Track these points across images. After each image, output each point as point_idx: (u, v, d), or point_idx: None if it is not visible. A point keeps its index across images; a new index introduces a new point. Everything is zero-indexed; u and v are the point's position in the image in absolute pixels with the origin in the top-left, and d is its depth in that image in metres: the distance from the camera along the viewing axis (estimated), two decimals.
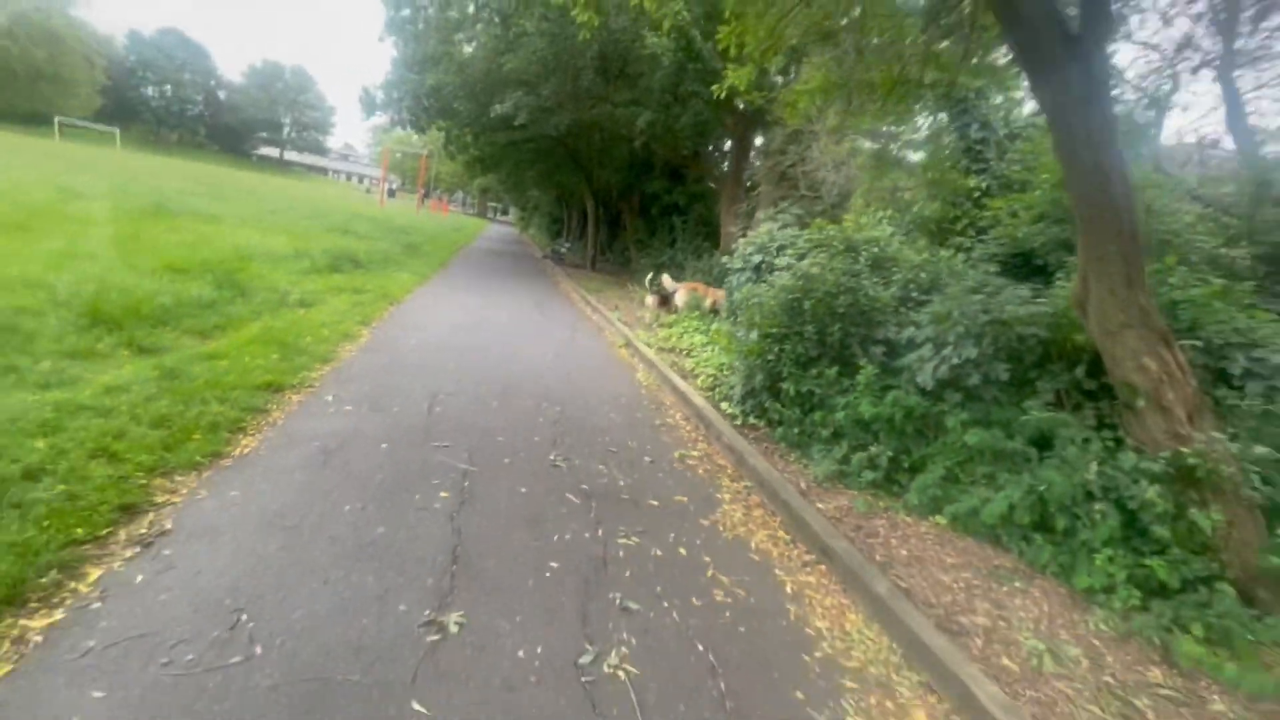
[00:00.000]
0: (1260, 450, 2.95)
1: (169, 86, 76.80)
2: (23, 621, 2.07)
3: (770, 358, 5.20)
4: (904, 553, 3.30)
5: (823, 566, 3.28)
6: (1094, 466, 3.13)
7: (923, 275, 5.34)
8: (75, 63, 56.96)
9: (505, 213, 73.25)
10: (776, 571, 3.19)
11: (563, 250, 22.51)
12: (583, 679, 2.22)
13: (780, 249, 7.62)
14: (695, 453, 4.77)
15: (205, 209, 12.29)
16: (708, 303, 9.71)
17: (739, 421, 5.31)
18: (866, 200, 8.18)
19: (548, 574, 2.82)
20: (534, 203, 42.85)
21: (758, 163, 13.62)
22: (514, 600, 2.59)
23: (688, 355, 7.66)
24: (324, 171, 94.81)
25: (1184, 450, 2.93)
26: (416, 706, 2.00)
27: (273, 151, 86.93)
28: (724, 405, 5.67)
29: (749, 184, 13.44)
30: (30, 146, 26.15)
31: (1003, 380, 3.91)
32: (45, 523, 2.47)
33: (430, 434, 4.21)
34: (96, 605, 2.20)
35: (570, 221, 32.32)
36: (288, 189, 31.67)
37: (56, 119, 48.87)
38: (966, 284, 4.51)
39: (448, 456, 3.90)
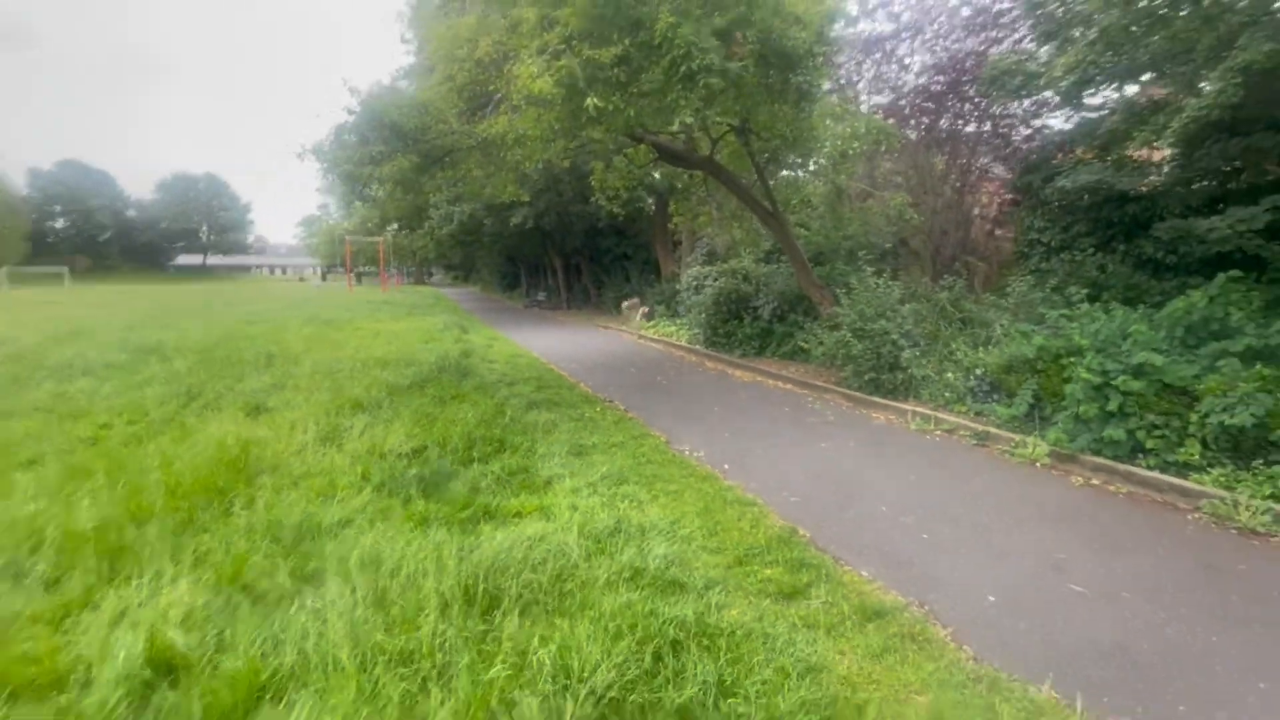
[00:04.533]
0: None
1: (76, 216, 78.34)
2: None
3: (712, 322, 13.29)
4: (740, 372, 11.40)
5: (726, 369, 11.30)
6: None
7: (760, 277, 13.62)
8: (3, 215, 59.25)
9: (431, 275, 79.39)
10: (720, 368, 11.19)
11: (540, 298, 30.19)
12: (661, 391, 10.12)
13: (705, 278, 15.84)
14: (690, 359, 12.76)
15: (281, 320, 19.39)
16: (639, 311, 17.86)
17: (702, 348, 13.38)
18: (738, 245, 16.53)
19: (647, 390, 10.70)
20: (477, 264, 50.28)
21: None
22: (638, 390, 10.44)
23: (664, 335, 15.73)
24: (246, 269, 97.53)
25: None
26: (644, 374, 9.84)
27: (192, 259, 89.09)
28: (692, 344, 13.74)
29: (675, 238, 21.80)
30: (15, 302, 30.94)
31: (765, 316, 12.14)
32: None
33: (583, 366, 11.95)
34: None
35: (521, 275, 39.76)
36: (240, 293, 37.93)
37: (4, 269, 51.83)
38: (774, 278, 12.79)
39: (601, 374, 11.68)
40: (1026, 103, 11.48)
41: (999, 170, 12.66)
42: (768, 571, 3.91)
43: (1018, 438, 6.42)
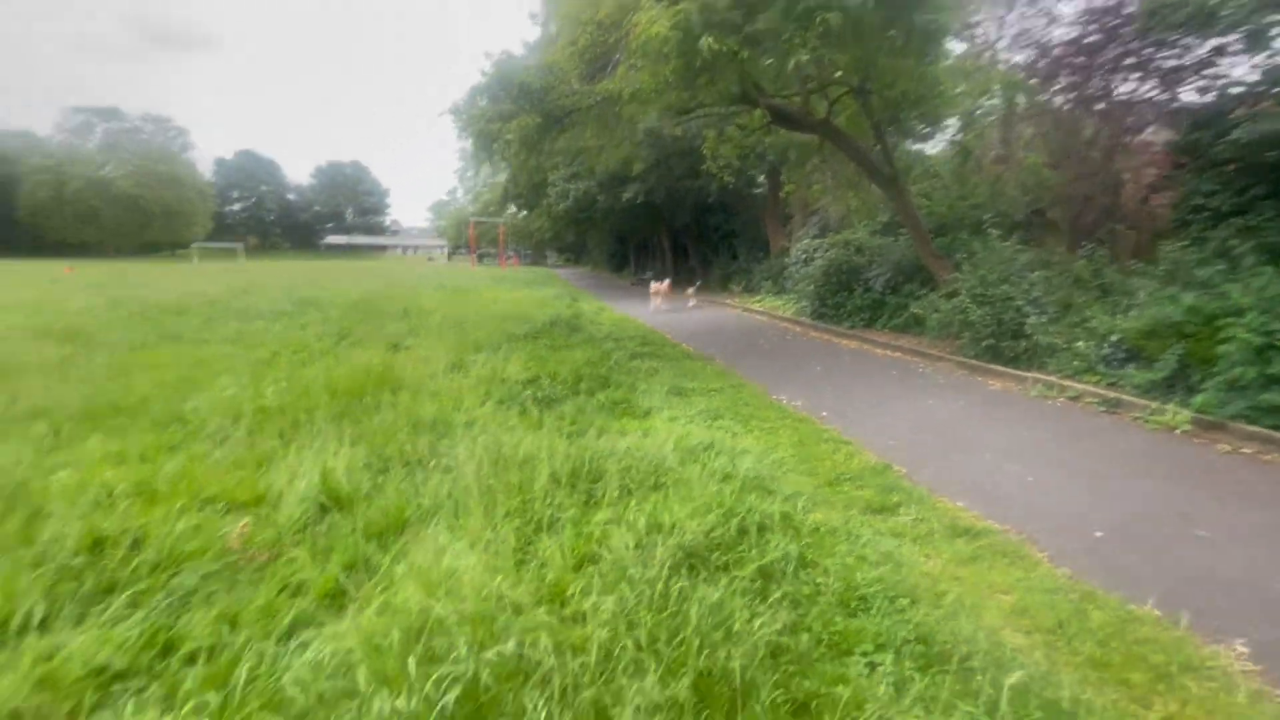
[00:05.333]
0: None
1: (249, 200, 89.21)
2: None
3: (821, 294, 13.03)
4: (847, 341, 11.08)
5: (832, 338, 11.06)
6: None
7: (874, 248, 13.13)
8: (193, 198, 69.05)
9: (546, 257, 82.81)
10: (826, 338, 10.98)
11: (647, 276, 30.75)
12: (758, 351, 10.07)
13: (815, 250, 15.48)
14: (795, 329, 12.62)
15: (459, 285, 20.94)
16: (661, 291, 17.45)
17: (809, 319, 13.16)
18: (853, 216, 15.97)
19: (747, 352, 10.69)
20: (591, 244, 51.85)
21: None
22: (739, 352, 10.45)
23: (770, 309, 15.58)
24: (383, 249, 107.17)
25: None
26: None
27: (339, 239, 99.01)
28: (798, 317, 13.53)
29: (786, 212, 21.37)
30: (202, 272, 35.63)
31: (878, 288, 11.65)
32: None
33: (684, 331, 12.14)
34: None
35: (629, 254, 40.54)
36: (380, 267, 41.64)
37: (193, 245, 60.69)
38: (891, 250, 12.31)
39: (702, 337, 11.83)
40: (1201, 49, 10.14)
41: (1160, 131, 11.28)
42: (858, 492, 3.99)
43: (1155, 404, 5.88)
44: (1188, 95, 10.82)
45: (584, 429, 4.84)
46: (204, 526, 2.99)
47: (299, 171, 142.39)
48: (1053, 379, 7.12)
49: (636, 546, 2.75)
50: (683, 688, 1.88)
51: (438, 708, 1.78)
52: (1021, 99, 11.49)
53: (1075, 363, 7.32)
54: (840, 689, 2.03)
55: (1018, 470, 4.55)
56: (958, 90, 9.51)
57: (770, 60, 7.07)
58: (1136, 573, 3.09)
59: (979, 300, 8.48)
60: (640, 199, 21.16)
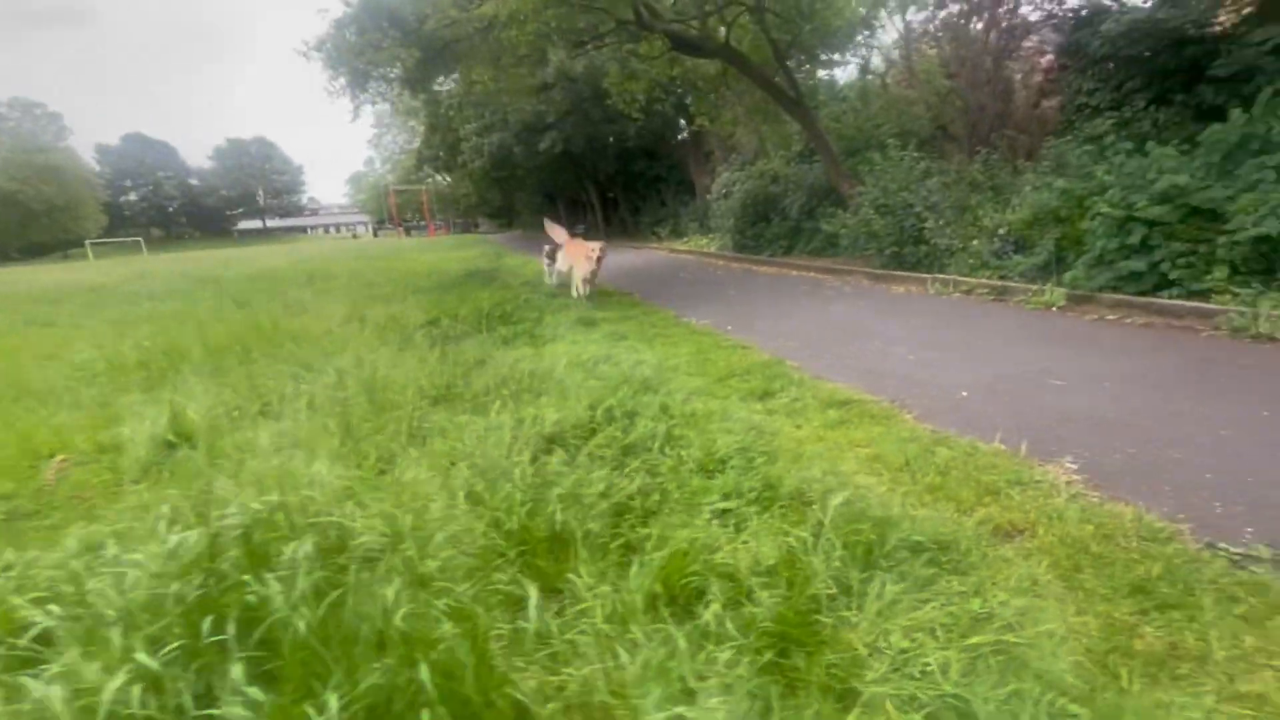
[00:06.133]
0: None
1: (145, 188, 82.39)
2: None
3: (740, 226, 13.05)
4: (765, 268, 11.21)
5: (750, 266, 11.17)
6: None
7: (789, 176, 13.20)
8: (78, 190, 63.10)
9: (477, 225, 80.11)
10: (745, 267, 11.08)
11: (579, 230, 30.24)
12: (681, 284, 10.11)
13: (733, 183, 15.45)
14: (718, 262, 12.67)
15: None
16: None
17: (731, 252, 13.22)
18: (769, 146, 15.97)
19: (666, 285, 10.70)
20: (519, 206, 50.43)
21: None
22: (658, 285, 10.45)
23: (695, 247, 15.58)
24: (303, 230, 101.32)
25: None
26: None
27: (253, 223, 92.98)
28: (721, 251, 13.58)
29: (706, 150, 21.20)
30: (95, 268, 33.21)
31: (794, 214, 11.79)
32: None
33: (608, 272, 12.06)
34: None
35: (561, 211, 39.73)
36: (296, 249, 39.59)
37: (87, 242, 55.90)
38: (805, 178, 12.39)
39: (625, 277, 11.75)
40: None
41: (1047, 34, 11.62)
42: (744, 384, 4.03)
43: (1036, 287, 6.19)
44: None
45: (481, 361, 4.73)
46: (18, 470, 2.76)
47: (199, 155, 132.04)
48: (951, 278, 7.38)
49: (502, 443, 2.70)
50: (500, 537, 1.85)
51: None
52: (913, 10, 11.56)
53: (970, 261, 7.59)
54: (680, 532, 2.05)
55: (902, 352, 4.71)
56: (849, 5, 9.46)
57: None
58: (991, 420, 3.25)
59: (881, 211, 8.66)
60: (559, 148, 20.53)
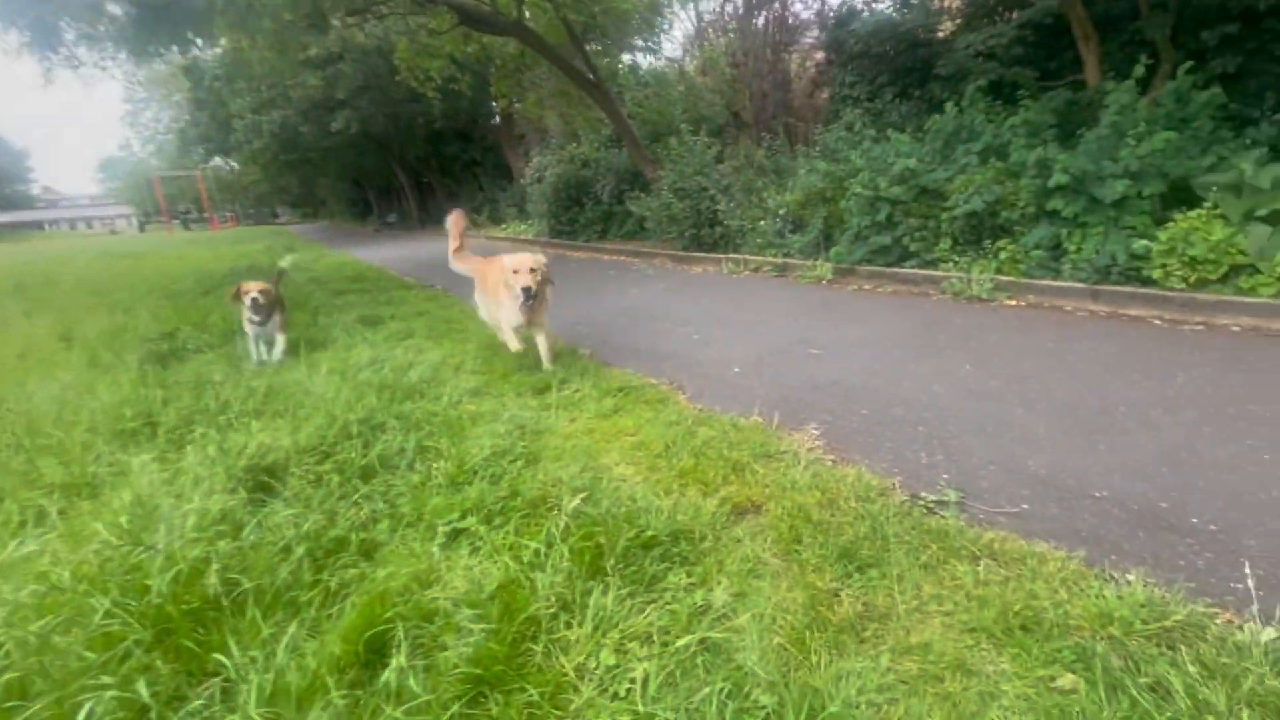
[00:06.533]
0: None
1: None
2: None
3: (554, 211, 12.82)
4: (578, 253, 11.21)
5: (564, 252, 11.06)
6: None
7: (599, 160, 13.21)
8: None
9: (277, 215, 70.91)
10: (559, 252, 10.91)
11: (391, 220, 27.97)
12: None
13: (545, 168, 15.15)
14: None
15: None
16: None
17: (548, 238, 12.96)
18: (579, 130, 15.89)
19: None
20: (323, 194, 45.40)
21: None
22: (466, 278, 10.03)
23: (512, 234, 15.14)
24: (38, 226, 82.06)
25: None
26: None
27: None
28: (537, 237, 13.27)
29: (519, 134, 20.58)
30: None
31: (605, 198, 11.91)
32: None
33: (415, 265, 11.27)
34: None
35: (371, 199, 36.56)
36: (28, 249, 32.43)
37: None
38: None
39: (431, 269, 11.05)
40: None
41: (819, 32, 12.81)
42: (529, 379, 3.84)
43: (809, 262, 6.76)
44: None
45: (211, 379, 4.00)
46: None
47: None
48: (743, 257, 7.82)
49: (196, 484, 2.21)
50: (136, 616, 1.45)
51: None
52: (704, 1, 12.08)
53: (759, 240, 8.10)
54: (401, 566, 1.80)
55: (688, 332, 4.83)
56: None
57: None
58: (755, 393, 3.39)
59: (679, 194, 8.94)
60: (354, 128, 18.58)
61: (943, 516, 2.06)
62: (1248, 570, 1.65)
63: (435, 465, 2.48)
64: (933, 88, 9.75)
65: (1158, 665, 1.34)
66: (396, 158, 24.59)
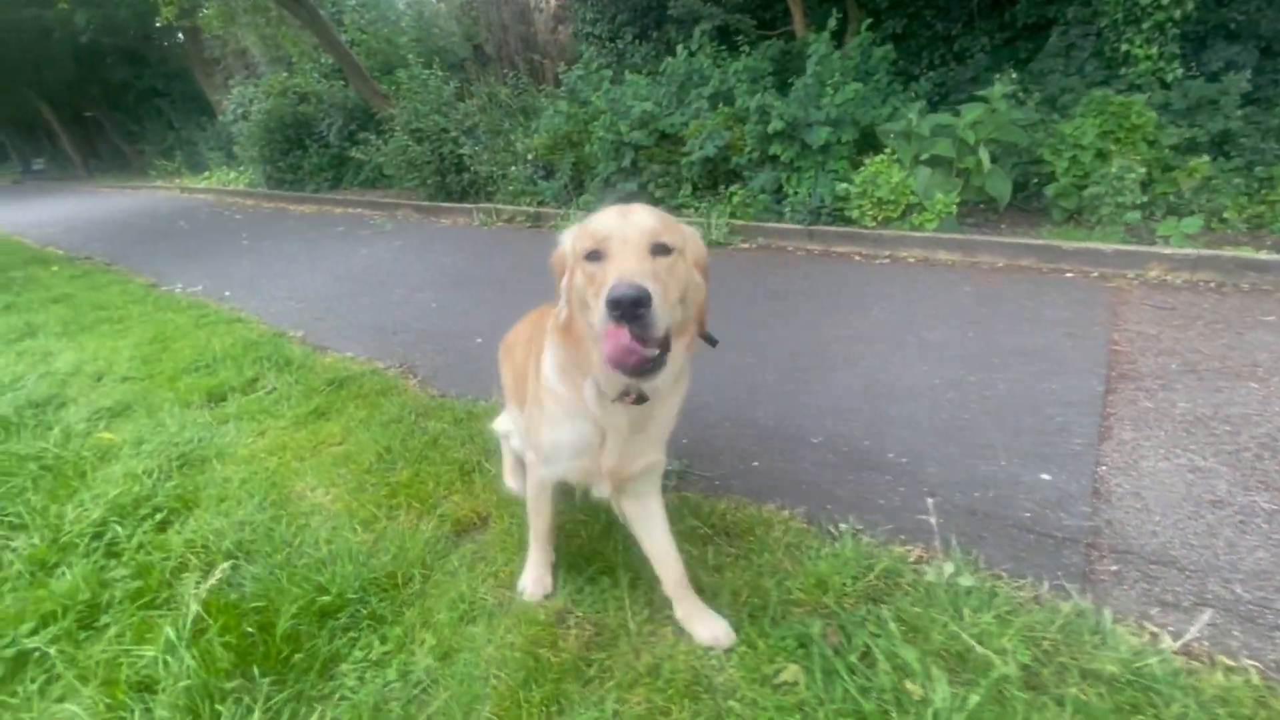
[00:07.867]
0: None
1: None
2: None
3: (271, 156, 10.64)
4: (303, 207, 9.63)
5: (285, 206, 9.39)
6: None
7: (324, 94, 11.22)
8: None
9: None
10: (278, 207, 9.19)
11: (38, 168, 21.21)
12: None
13: (251, 101, 12.47)
14: (245, 203, 10.21)
15: None
16: None
17: (265, 189, 10.82)
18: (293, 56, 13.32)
19: (155, 241, 8.27)
20: None
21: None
22: (142, 243, 8.03)
23: (219, 185, 12.43)
24: None
25: None
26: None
27: None
28: (252, 188, 11.02)
29: (213, 58, 16.67)
30: None
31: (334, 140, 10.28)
32: None
33: (67, 229, 8.70)
34: None
35: (4, 140, 27.49)
36: None
37: None
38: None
39: (92, 232, 8.60)
40: None
41: None
42: (207, 380, 2.99)
43: (563, 211, 6.48)
44: None
45: None
46: None
47: None
48: (495, 206, 7.25)
49: None
50: None
51: None
52: None
53: (511, 188, 7.57)
54: None
55: (425, 299, 4.26)
56: None
57: None
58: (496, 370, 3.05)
59: (416, 136, 7.94)
60: None
61: (681, 493, 1.97)
62: (929, 503, 1.81)
63: (12, 542, 1.71)
64: (668, 29, 9.90)
65: (864, 632, 1.34)
66: (32, 82, 18.42)
